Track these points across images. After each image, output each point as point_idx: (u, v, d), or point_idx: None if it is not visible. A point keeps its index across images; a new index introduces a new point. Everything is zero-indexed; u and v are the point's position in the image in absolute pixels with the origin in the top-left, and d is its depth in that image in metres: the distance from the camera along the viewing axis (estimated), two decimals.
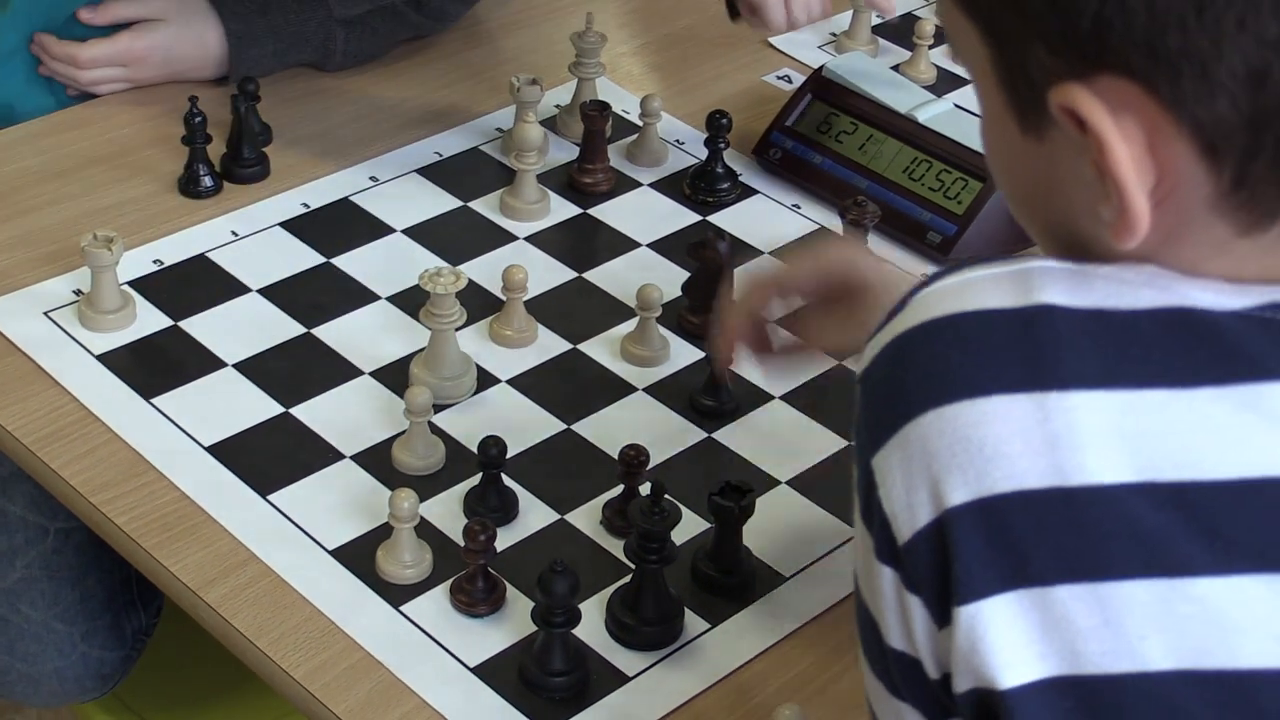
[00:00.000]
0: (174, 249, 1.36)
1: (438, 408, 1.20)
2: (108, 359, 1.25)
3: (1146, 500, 0.65)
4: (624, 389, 1.26)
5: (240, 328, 1.29)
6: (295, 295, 1.32)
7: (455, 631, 1.06)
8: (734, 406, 1.24)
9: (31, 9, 1.52)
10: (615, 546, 1.12)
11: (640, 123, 1.51)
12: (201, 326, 1.29)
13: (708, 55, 1.67)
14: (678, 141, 1.54)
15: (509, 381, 1.26)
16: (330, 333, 1.29)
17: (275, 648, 1.04)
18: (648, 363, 1.28)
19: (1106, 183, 0.66)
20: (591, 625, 1.05)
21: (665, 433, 1.22)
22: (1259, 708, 0.65)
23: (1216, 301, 0.67)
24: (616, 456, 1.13)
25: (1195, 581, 0.65)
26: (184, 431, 1.19)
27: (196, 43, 1.54)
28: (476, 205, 1.44)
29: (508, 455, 1.13)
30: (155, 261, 1.35)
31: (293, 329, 1.29)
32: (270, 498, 1.14)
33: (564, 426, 1.22)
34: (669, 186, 1.49)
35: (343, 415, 1.21)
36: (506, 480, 1.14)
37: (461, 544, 1.06)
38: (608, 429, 1.22)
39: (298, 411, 1.21)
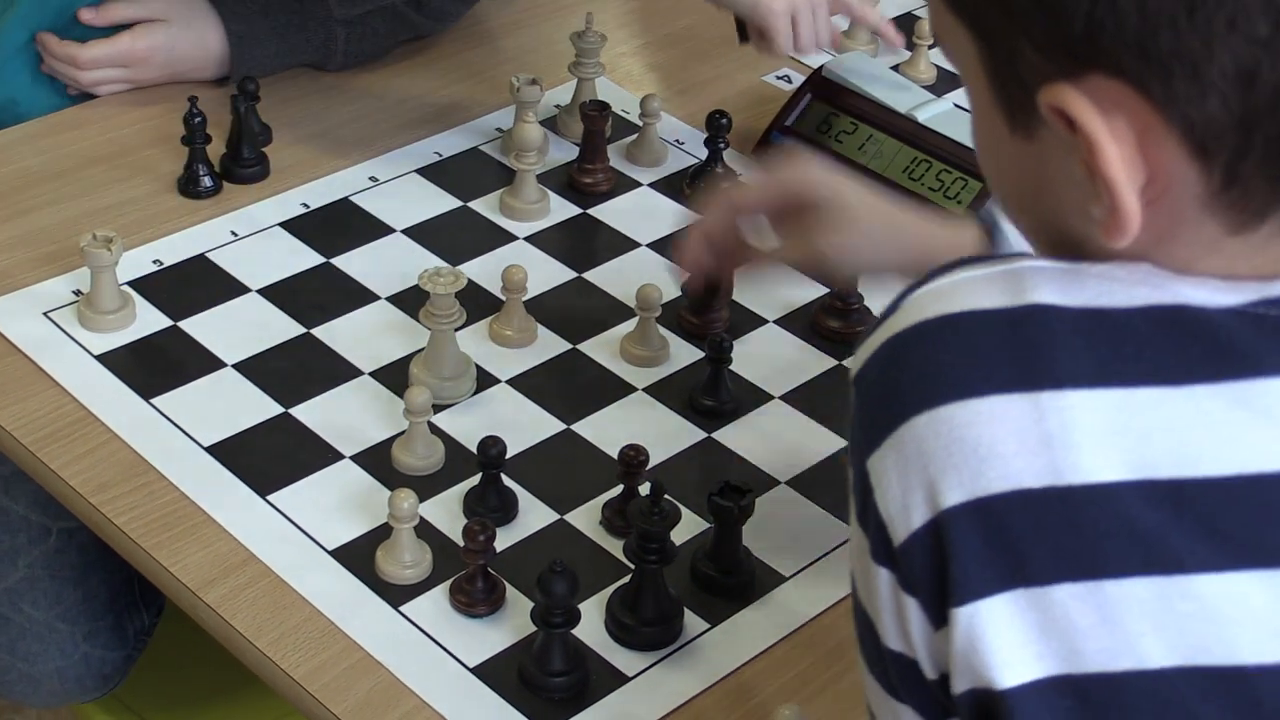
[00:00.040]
0: (174, 249, 1.36)
1: (437, 408, 1.20)
2: (107, 359, 1.25)
3: (1143, 498, 0.65)
4: (624, 389, 1.26)
5: (240, 328, 1.29)
6: (295, 295, 1.32)
7: (455, 632, 1.06)
8: (734, 406, 1.24)
9: (38, 7, 1.52)
10: (615, 546, 1.12)
11: (640, 123, 1.51)
12: (201, 327, 1.29)
13: (708, 55, 1.67)
14: (678, 141, 1.54)
15: (509, 381, 1.26)
16: (330, 333, 1.29)
17: (275, 648, 1.04)
18: (647, 363, 1.28)
19: (1097, 182, 0.66)
20: (591, 625, 1.05)
21: (665, 433, 1.22)
22: (1258, 703, 0.65)
23: (1209, 298, 0.67)
24: (616, 456, 1.13)
25: (1193, 578, 0.65)
26: (183, 432, 1.19)
27: (197, 43, 1.54)
28: (476, 205, 1.44)
29: (507, 455, 1.13)
30: (155, 261, 1.35)
31: (292, 329, 1.29)
32: (270, 498, 1.14)
33: (564, 426, 1.22)
34: (669, 186, 1.49)
35: (342, 415, 1.21)
36: (506, 480, 1.14)
37: (461, 544, 1.06)
38: (607, 429, 1.22)
39: (297, 412, 1.21)
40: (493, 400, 1.24)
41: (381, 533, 1.10)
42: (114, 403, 1.21)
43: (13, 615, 1.40)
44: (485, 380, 1.26)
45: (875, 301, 1.32)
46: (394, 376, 1.25)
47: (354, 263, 1.37)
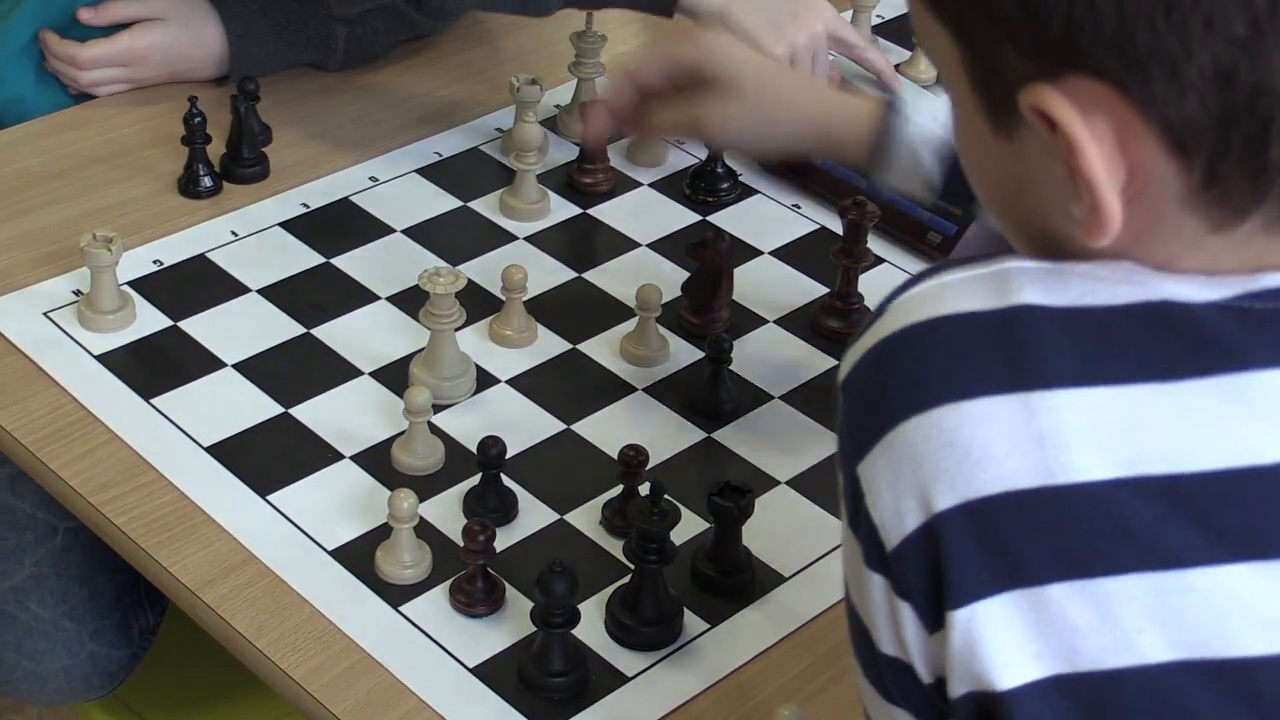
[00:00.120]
0: (174, 249, 1.37)
1: (437, 408, 1.20)
2: (107, 359, 1.25)
3: (1136, 495, 0.65)
4: (624, 389, 1.26)
5: (240, 328, 1.29)
6: (295, 295, 1.33)
7: (454, 632, 1.06)
8: (733, 407, 1.24)
9: (43, 6, 1.52)
10: (615, 547, 1.12)
11: None
12: (201, 327, 1.29)
13: None
14: (678, 141, 1.54)
15: (508, 381, 1.26)
16: (330, 333, 1.29)
17: (274, 648, 1.04)
18: (647, 363, 1.28)
19: (1078, 182, 0.67)
20: (591, 625, 1.05)
21: (665, 433, 1.22)
22: (1258, 695, 0.66)
23: (1193, 294, 0.67)
24: (616, 456, 1.13)
25: (1189, 573, 0.65)
26: (183, 432, 1.19)
27: (197, 42, 1.54)
28: (476, 205, 1.44)
29: (507, 455, 1.13)
30: (155, 262, 1.35)
31: (292, 329, 1.29)
32: (270, 498, 1.14)
33: (563, 426, 1.22)
34: (669, 186, 1.49)
35: (342, 415, 1.21)
36: (506, 480, 1.14)
37: (461, 544, 1.06)
38: (607, 429, 1.22)
39: (297, 412, 1.21)
40: (493, 400, 1.24)
41: (381, 533, 1.10)
42: (114, 403, 1.21)
43: (19, 613, 1.40)
44: (485, 380, 1.26)
45: (876, 301, 1.32)
46: (394, 376, 1.25)
47: (354, 263, 1.37)
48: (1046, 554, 0.65)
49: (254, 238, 1.39)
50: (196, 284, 1.33)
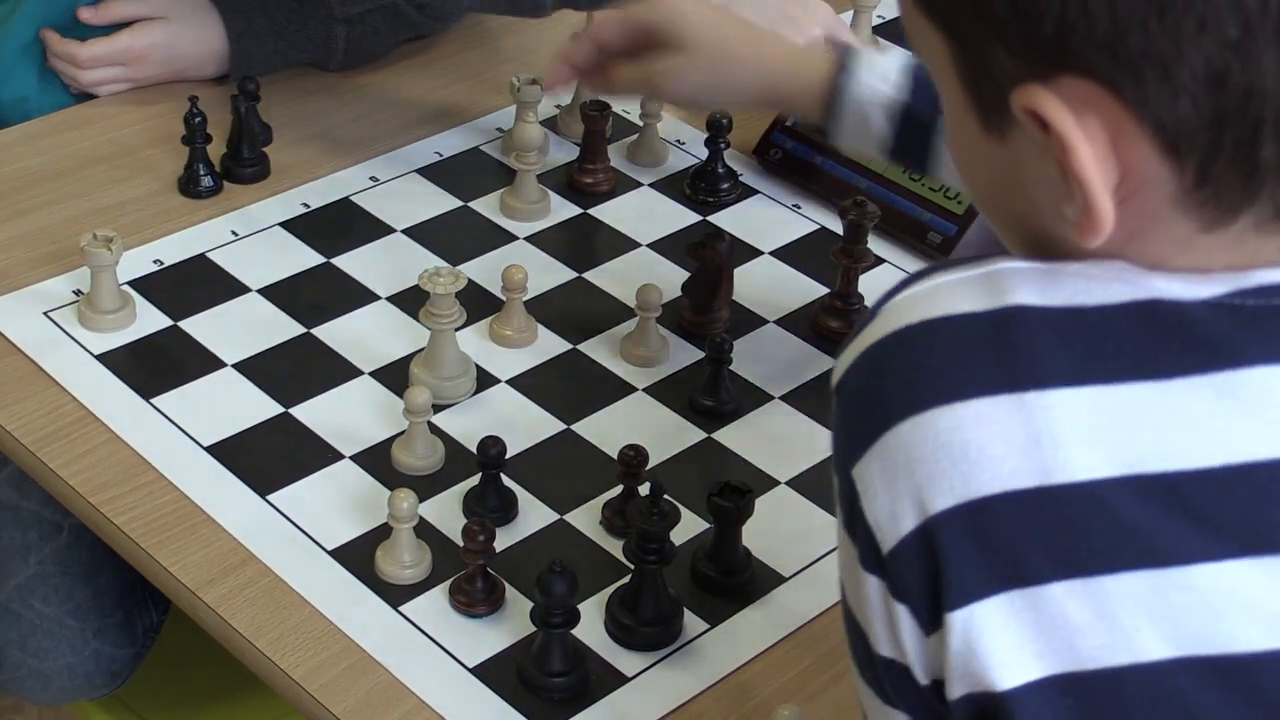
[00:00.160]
0: (174, 249, 1.37)
1: (437, 408, 1.20)
2: (107, 359, 1.25)
3: (1132, 493, 0.65)
4: (624, 389, 1.26)
5: (240, 328, 1.29)
6: (295, 295, 1.33)
7: (454, 632, 1.06)
8: (734, 407, 1.24)
9: (44, 4, 1.52)
10: (614, 547, 1.12)
11: (640, 123, 1.51)
12: (201, 326, 1.29)
13: None
14: (678, 141, 1.54)
15: (509, 382, 1.26)
16: (330, 333, 1.29)
17: (274, 648, 1.04)
18: (647, 363, 1.28)
19: (1070, 182, 0.67)
20: (590, 626, 1.05)
21: (665, 433, 1.22)
22: (1258, 691, 0.66)
23: (1185, 292, 0.67)
24: (616, 457, 1.13)
25: (1187, 570, 0.65)
26: (183, 431, 1.19)
27: (197, 41, 1.54)
28: (477, 205, 1.44)
29: (507, 455, 1.13)
30: (155, 261, 1.35)
31: (293, 329, 1.29)
32: (269, 498, 1.14)
33: (564, 427, 1.22)
34: (669, 186, 1.49)
35: (342, 415, 1.21)
36: (506, 480, 1.14)
37: (461, 544, 1.06)
38: (607, 429, 1.22)
39: (297, 411, 1.21)
40: (493, 400, 1.24)
41: (381, 533, 1.10)
42: (114, 402, 1.21)
43: (24, 611, 1.40)
44: (485, 380, 1.26)
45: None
46: (394, 376, 1.25)
47: (354, 263, 1.37)
48: (1044, 553, 0.65)
49: (254, 237, 1.39)
50: (197, 284, 1.33)
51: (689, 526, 1.12)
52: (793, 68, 1.20)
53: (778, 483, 1.18)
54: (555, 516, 1.15)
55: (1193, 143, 0.64)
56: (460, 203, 1.44)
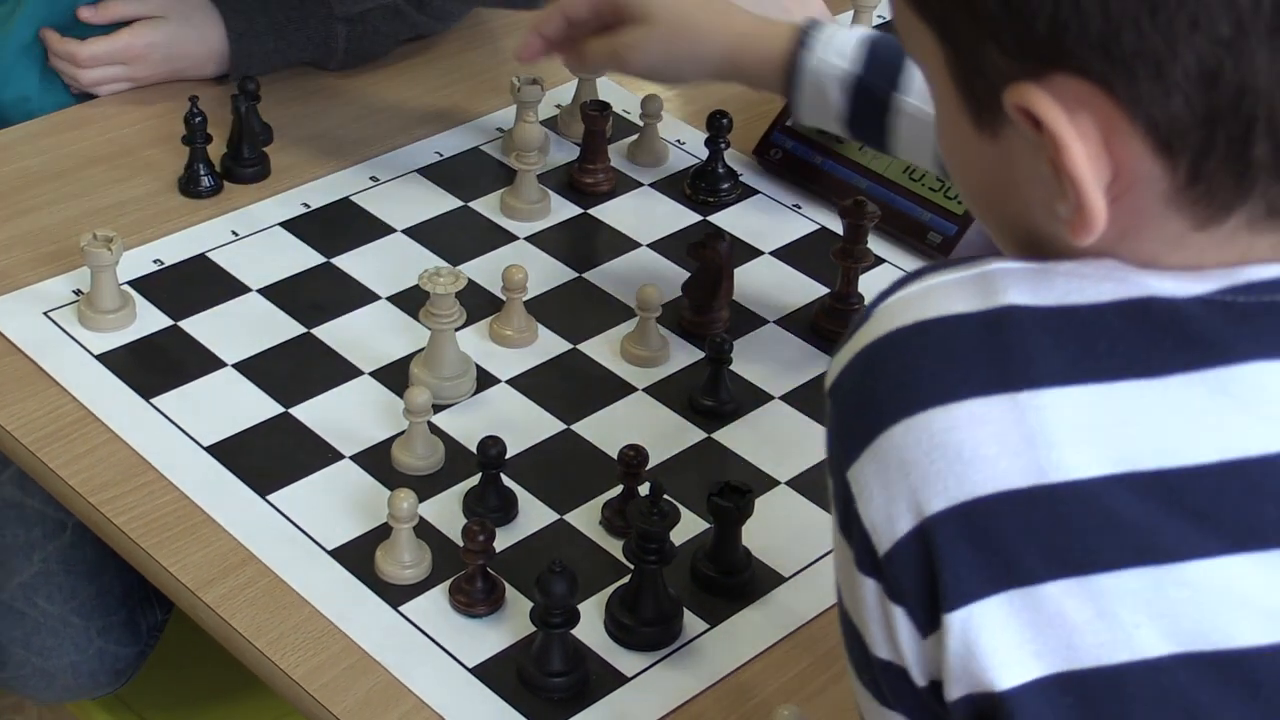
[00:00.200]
0: (174, 249, 1.37)
1: (437, 408, 1.20)
2: (107, 359, 1.25)
3: (1128, 490, 0.65)
4: (624, 389, 1.26)
5: (240, 328, 1.29)
6: (295, 295, 1.33)
7: (454, 632, 1.06)
8: (734, 407, 1.24)
9: (45, 4, 1.53)
10: (614, 547, 1.12)
11: (641, 123, 1.51)
12: (201, 326, 1.29)
13: None
14: (678, 141, 1.54)
15: (509, 382, 1.26)
16: (330, 333, 1.29)
17: (274, 648, 1.04)
18: (647, 363, 1.28)
19: (1063, 180, 0.67)
20: (590, 626, 1.05)
21: (665, 433, 1.22)
22: (1256, 685, 0.66)
23: (1176, 289, 0.67)
24: (616, 457, 1.13)
25: (1184, 566, 0.65)
26: (183, 431, 1.19)
27: (197, 40, 1.54)
28: (477, 205, 1.44)
29: (507, 455, 1.13)
30: (155, 261, 1.35)
31: (293, 329, 1.29)
32: (269, 498, 1.14)
33: (563, 427, 1.22)
34: (669, 186, 1.49)
35: (342, 415, 1.21)
36: (506, 480, 1.14)
37: (460, 544, 1.06)
38: (607, 429, 1.22)
39: (297, 411, 1.21)
40: (493, 400, 1.24)
41: (381, 533, 1.10)
42: (114, 402, 1.21)
43: (28, 610, 1.40)
44: (485, 380, 1.26)
45: None
46: (394, 376, 1.25)
47: (354, 263, 1.37)
48: (1041, 553, 0.66)
49: (254, 237, 1.39)
50: (197, 284, 1.33)
51: (689, 526, 1.12)
52: (753, 39, 1.22)
53: (777, 483, 1.18)
54: (555, 516, 1.15)
55: (1185, 141, 0.65)
56: (460, 203, 1.44)
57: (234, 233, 1.39)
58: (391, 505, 1.07)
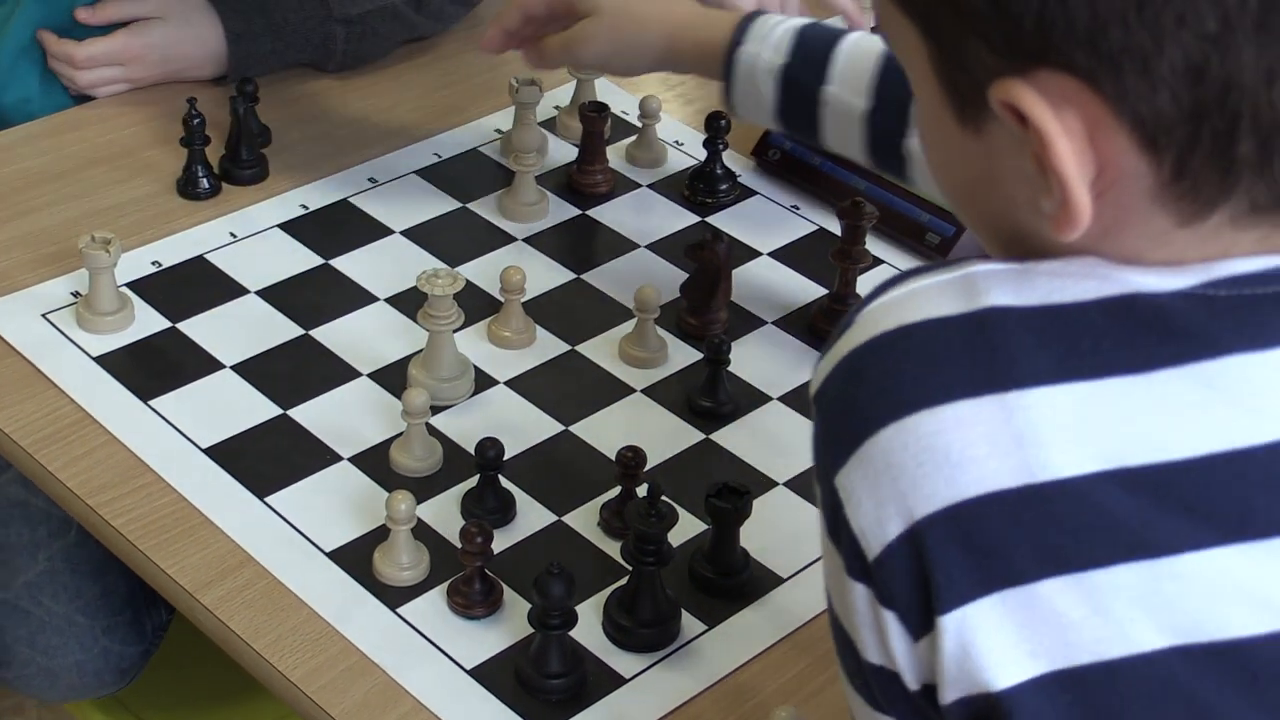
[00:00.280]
0: (172, 250, 1.37)
1: (435, 409, 1.20)
2: (105, 361, 1.25)
3: (1118, 486, 0.65)
4: (622, 390, 1.26)
5: (238, 329, 1.29)
6: (293, 297, 1.33)
7: (452, 633, 1.06)
8: (732, 408, 1.24)
9: (42, 6, 1.53)
10: (613, 548, 1.12)
11: (639, 124, 1.51)
12: (200, 328, 1.29)
13: None
14: (677, 142, 1.54)
15: (507, 383, 1.26)
16: (328, 334, 1.29)
17: (272, 650, 1.04)
18: (646, 364, 1.28)
19: (1048, 176, 0.67)
20: (588, 627, 1.05)
21: (663, 434, 1.22)
22: (1253, 675, 0.66)
23: (1159, 284, 0.67)
24: (614, 458, 1.13)
25: (1177, 559, 0.65)
26: (182, 433, 1.19)
27: (195, 41, 1.54)
28: (475, 207, 1.44)
29: (505, 457, 1.13)
30: (153, 263, 1.35)
31: (291, 331, 1.29)
32: (268, 499, 1.14)
33: (562, 428, 1.22)
34: (668, 187, 1.49)
35: (340, 417, 1.21)
36: (504, 482, 1.14)
37: (459, 546, 1.06)
38: (605, 430, 1.22)
39: (296, 413, 1.21)
40: (491, 402, 1.24)
41: (379, 534, 1.10)
42: (112, 404, 1.21)
43: (33, 609, 1.40)
44: (483, 381, 1.26)
45: None
46: (392, 378, 1.25)
47: (353, 264, 1.37)
48: (1033, 552, 0.66)
49: (253, 239, 1.39)
50: (195, 285, 1.33)
51: (687, 527, 1.12)
52: (692, 29, 1.23)
53: (775, 484, 1.18)
54: (553, 518, 1.15)
55: (1171, 136, 0.65)
56: (459, 204, 1.45)
57: (232, 234, 1.39)
58: (390, 507, 1.07)
